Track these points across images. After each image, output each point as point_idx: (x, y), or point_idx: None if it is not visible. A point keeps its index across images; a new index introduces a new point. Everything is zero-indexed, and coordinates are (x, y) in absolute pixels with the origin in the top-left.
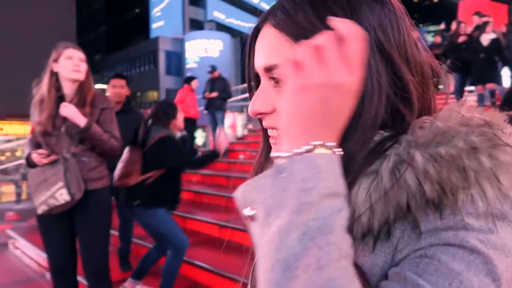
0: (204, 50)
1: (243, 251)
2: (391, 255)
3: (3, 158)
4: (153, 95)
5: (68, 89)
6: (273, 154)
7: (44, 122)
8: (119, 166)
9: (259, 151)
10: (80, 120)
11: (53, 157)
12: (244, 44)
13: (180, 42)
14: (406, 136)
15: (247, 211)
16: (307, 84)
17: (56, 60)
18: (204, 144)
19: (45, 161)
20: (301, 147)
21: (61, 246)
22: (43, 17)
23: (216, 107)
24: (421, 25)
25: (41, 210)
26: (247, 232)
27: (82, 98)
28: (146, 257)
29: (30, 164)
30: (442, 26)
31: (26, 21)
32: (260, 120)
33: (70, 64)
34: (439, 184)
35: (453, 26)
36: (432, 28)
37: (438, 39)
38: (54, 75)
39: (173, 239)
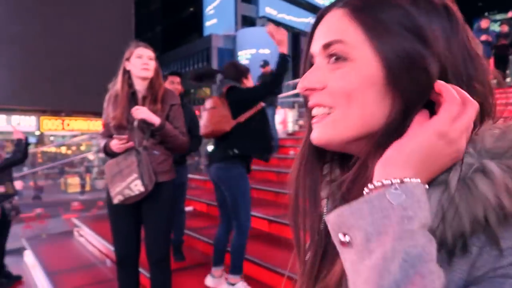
0: (256, 47)
1: (292, 246)
2: (467, 272)
3: (69, 152)
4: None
5: (139, 85)
6: (370, 186)
7: (119, 116)
8: (207, 114)
9: (305, 135)
10: (155, 119)
11: (130, 144)
12: (295, 38)
13: (232, 39)
14: (473, 144)
15: (341, 237)
16: (449, 134)
17: (128, 59)
18: None
19: (123, 147)
20: (401, 178)
21: (129, 235)
22: (104, 19)
23: (267, 102)
24: (486, 13)
25: (116, 200)
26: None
27: (154, 95)
28: (217, 244)
29: (108, 152)
30: (510, 14)
31: (87, 23)
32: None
33: (140, 62)
34: None
35: None
36: (498, 16)
37: (505, 28)
38: (127, 73)
39: (241, 215)
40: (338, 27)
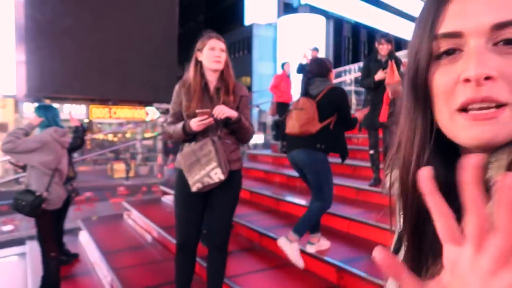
0: (297, 35)
1: (333, 234)
2: None
3: (115, 139)
4: (246, 80)
5: (211, 76)
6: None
7: (194, 107)
8: (295, 115)
9: (420, 130)
10: (233, 113)
11: (211, 120)
12: (338, 25)
13: (274, 27)
14: None
15: None
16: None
17: (200, 50)
18: None
19: (205, 123)
20: None
21: (195, 221)
22: (149, 10)
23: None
24: None
25: (195, 187)
26: (337, 216)
27: (226, 87)
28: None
29: (187, 132)
30: None
31: (133, 15)
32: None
33: (212, 54)
34: None
35: None
36: None
37: None
38: (199, 63)
39: (326, 195)
40: None
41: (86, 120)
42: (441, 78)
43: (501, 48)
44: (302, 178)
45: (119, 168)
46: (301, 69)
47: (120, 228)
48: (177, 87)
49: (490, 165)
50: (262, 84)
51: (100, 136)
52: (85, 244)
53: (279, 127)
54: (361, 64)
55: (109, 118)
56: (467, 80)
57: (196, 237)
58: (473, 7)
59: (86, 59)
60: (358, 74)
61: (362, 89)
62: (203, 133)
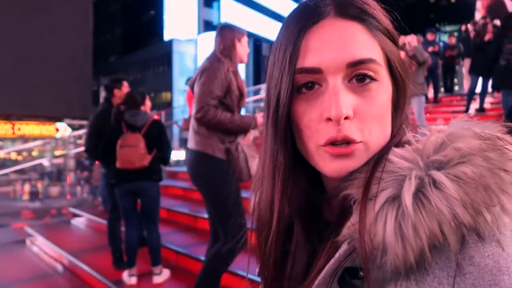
0: None
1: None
2: None
3: (20, 158)
4: (166, 96)
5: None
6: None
7: (244, 98)
8: (128, 152)
9: (273, 164)
10: None
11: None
12: (257, 44)
13: (194, 43)
14: (420, 155)
15: None
16: None
17: (240, 40)
18: None
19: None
20: None
21: None
22: (60, 18)
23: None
24: (437, 24)
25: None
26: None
27: None
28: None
29: (245, 128)
30: (464, 27)
31: (44, 24)
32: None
33: (247, 49)
34: (471, 205)
35: (470, 26)
36: (448, 28)
37: (453, 41)
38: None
39: (157, 217)
40: (366, 44)
41: None
42: (304, 114)
43: (355, 85)
44: (129, 208)
45: (24, 189)
46: None
47: (21, 256)
48: (224, 68)
49: (350, 182)
50: (182, 99)
51: (1, 154)
52: None
53: None
54: None
55: (12, 135)
56: (329, 119)
57: None
58: (330, 46)
59: None
60: None
61: None
62: None
